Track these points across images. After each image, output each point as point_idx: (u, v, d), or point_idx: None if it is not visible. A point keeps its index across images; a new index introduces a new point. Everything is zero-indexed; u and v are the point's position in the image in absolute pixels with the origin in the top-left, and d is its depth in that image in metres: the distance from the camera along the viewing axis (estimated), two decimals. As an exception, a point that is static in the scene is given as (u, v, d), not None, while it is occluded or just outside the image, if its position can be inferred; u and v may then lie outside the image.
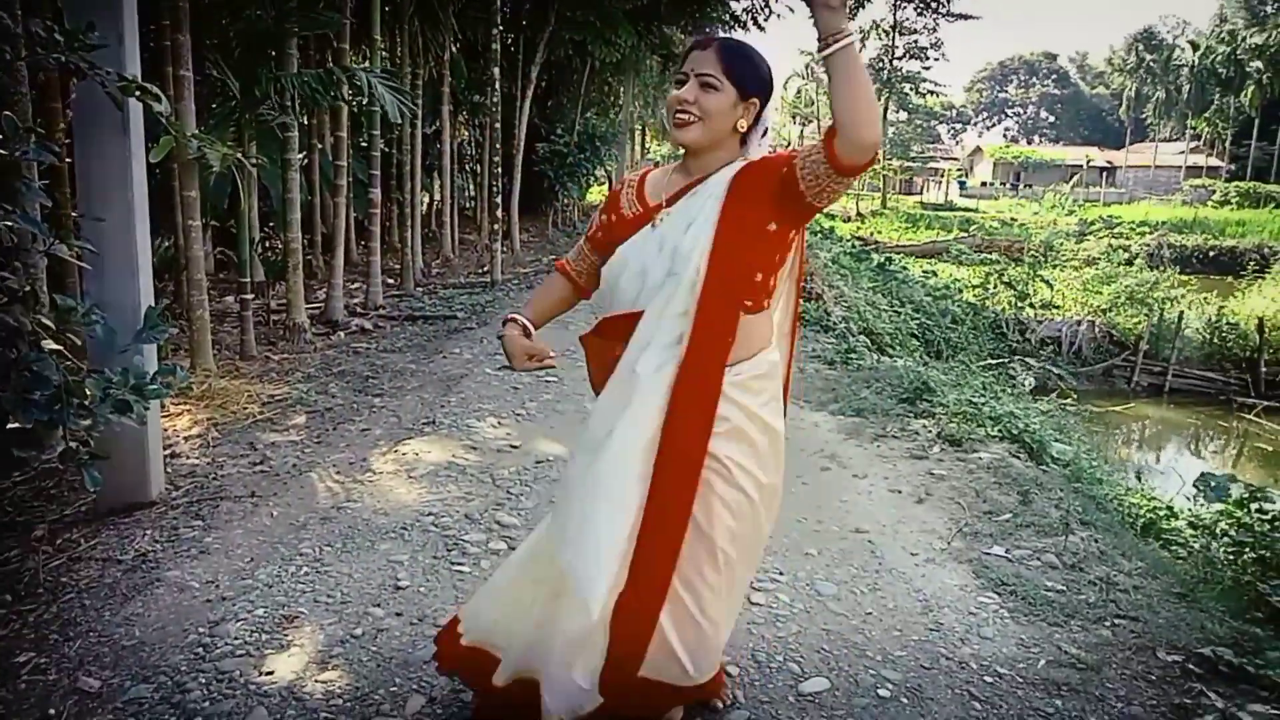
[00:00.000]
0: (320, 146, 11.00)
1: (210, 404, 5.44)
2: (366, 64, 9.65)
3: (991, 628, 2.86)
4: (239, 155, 6.30)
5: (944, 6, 38.81)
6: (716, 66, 1.88)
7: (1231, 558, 3.67)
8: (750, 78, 1.92)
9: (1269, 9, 58.10)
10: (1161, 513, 4.48)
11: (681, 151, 2.01)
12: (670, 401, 1.88)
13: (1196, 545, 3.92)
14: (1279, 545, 3.58)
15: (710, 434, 1.90)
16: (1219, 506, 4.19)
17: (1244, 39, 54.25)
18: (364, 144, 9.62)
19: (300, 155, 12.11)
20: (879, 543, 3.53)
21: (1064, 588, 3.15)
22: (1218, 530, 4.00)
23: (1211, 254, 29.12)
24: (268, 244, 9.38)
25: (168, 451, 4.53)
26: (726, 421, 1.92)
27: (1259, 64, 52.20)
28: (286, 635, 2.68)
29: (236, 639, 2.65)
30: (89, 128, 3.67)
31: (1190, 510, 4.56)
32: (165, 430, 4.89)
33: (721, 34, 2.03)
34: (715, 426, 1.90)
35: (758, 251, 1.92)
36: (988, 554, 3.46)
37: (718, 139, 1.94)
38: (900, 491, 4.13)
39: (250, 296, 6.96)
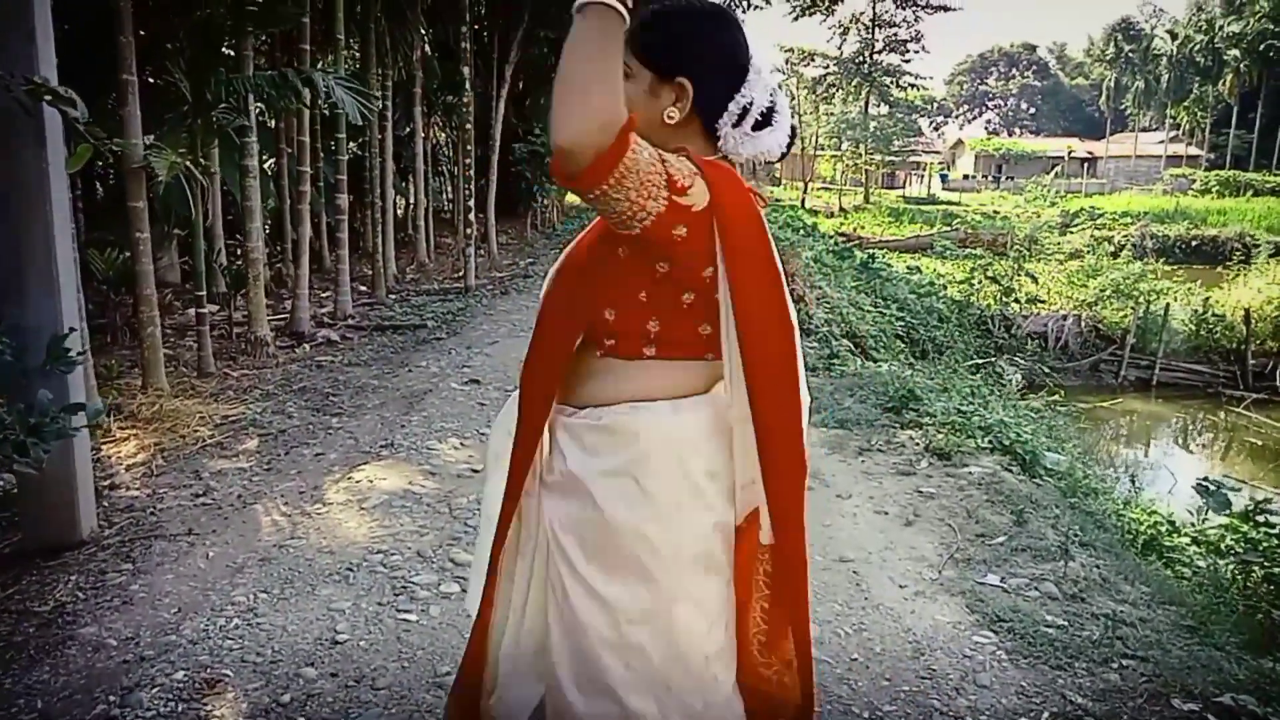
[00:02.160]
0: (290, 151, 10.68)
1: (159, 427, 5.14)
2: (331, 65, 9.37)
3: (989, 673, 2.61)
4: (187, 163, 6.00)
5: (923, -1, 38.75)
6: (628, 49, 1.42)
7: (1240, 578, 3.44)
8: (667, 50, 1.46)
9: (1244, -2, 58.42)
10: (1163, 529, 4.24)
11: None
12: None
13: (1202, 564, 3.69)
14: (1290, 564, 3.35)
15: (524, 474, 1.56)
16: (1223, 520, 3.96)
17: (1221, 27, 54.44)
18: (333, 148, 9.30)
19: (268, 161, 11.88)
20: (865, 573, 3.27)
21: (1065, 623, 2.90)
22: (1223, 547, 3.76)
23: (1194, 243, 29.10)
24: (237, 253, 9.06)
25: (107, 482, 4.25)
26: (552, 472, 1.56)
27: (1236, 52, 52.40)
28: (205, 704, 2.39)
29: (149, 710, 2.37)
30: (0, 135, 3.36)
31: (1192, 524, 4.33)
32: (108, 457, 4.60)
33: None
34: (546, 473, 1.57)
35: (606, 282, 1.49)
36: (982, 583, 3.21)
37: (645, 139, 1.36)
38: (887, 513, 3.88)
39: (207, 310, 6.65)
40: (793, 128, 1.58)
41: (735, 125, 1.50)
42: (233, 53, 7.15)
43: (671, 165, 1.34)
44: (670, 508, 1.48)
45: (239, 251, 8.93)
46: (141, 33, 7.14)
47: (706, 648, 1.52)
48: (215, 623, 2.84)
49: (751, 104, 1.49)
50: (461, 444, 4.73)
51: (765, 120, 1.51)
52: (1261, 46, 51.16)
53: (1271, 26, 50.93)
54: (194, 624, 2.83)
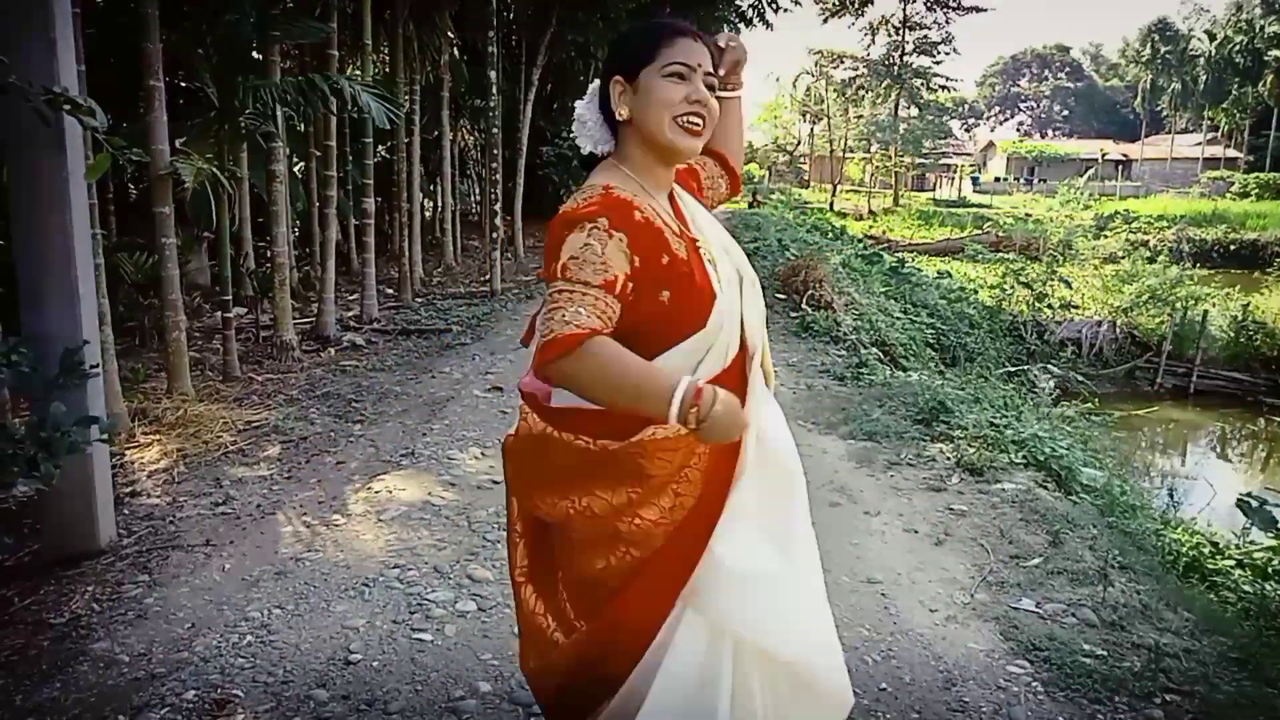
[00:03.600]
0: (318, 155, 10.71)
1: (183, 432, 5.13)
2: (359, 70, 9.39)
3: (1024, 707, 2.50)
4: (214, 169, 6.00)
5: (954, 0, 38.26)
6: (712, 64, 1.59)
7: (1288, 605, 3.29)
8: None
9: (1287, -3, 57.21)
10: (1206, 550, 4.09)
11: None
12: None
13: (1249, 589, 3.53)
14: (1342, 591, 3.19)
15: None
16: (1269, 541, 3.80)
17: (1262, 28, 53.34)
18: (360, 151, 9.30)
19: (298, 165, 11.93)
20: (893, 596, 3.16)
21: (1105, 652, 2.78)
22: (1270, 570, 3.61)
23: (1232, 248, 28.47)
24: (266, 256, 9.09)
25: (129, 489, 4.24)
26: None
27: (1277, 53, 51.30)
28: (214, 727, 2.35)
29: (157, 732, 2.32)
30: (20, 145, 3.35)
31: (1236, 544, 4.17)
32: (131, 463, 4.60)
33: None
34: None
35: None
36: (1016, 608, 3.09)
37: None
38: (917, 531, 3.76)
39: (233, 314, 6.66)
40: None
41: None
42: (260, 57, 7.15)
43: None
44: None
45: (267, 255, 8.96)
46: (170, 39, 7.16)
47: None
48: (228, 639, 2.79)
49: None
50: (483, 454, 4.67)
51: None
52: (1305, 46, 50.09)
53: (1315, 26, 49.86)
54: (207, 640, 2.78)
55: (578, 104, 1.69)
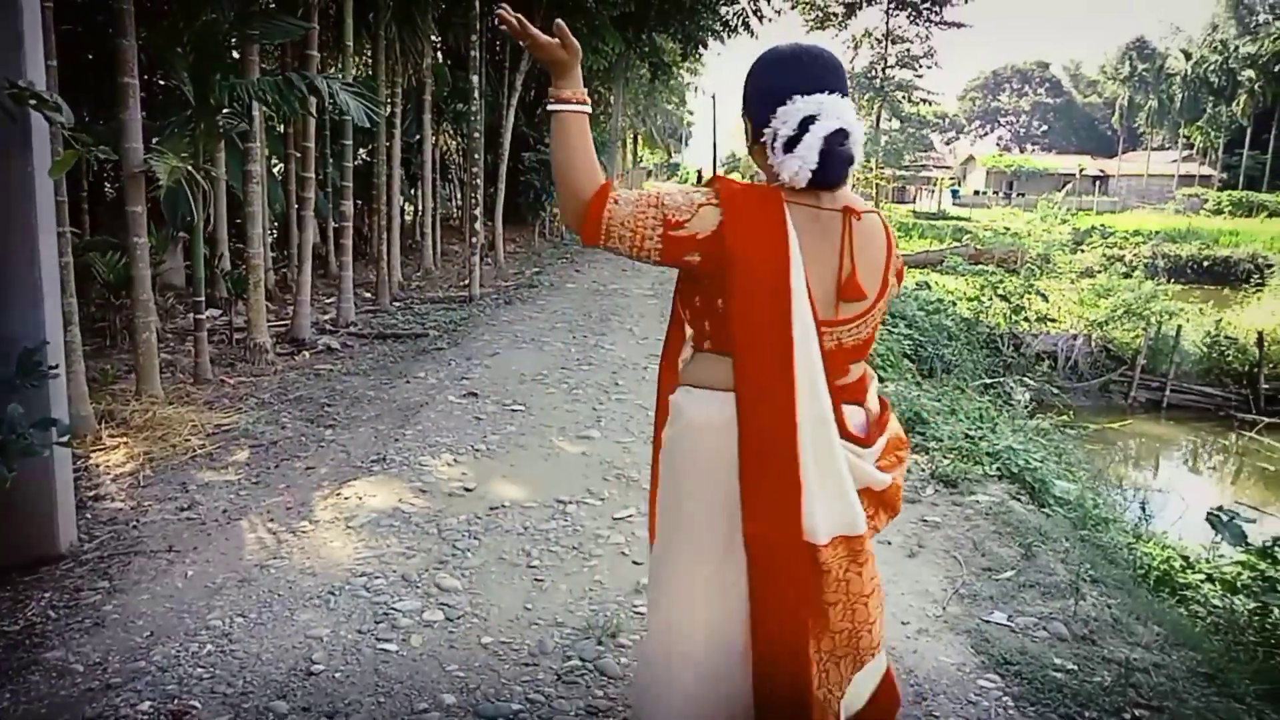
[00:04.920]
0: (297, 156, 10.62)
1: (150, 435, 5.05)
2: (340, 71, 9.31)
3: (994, 722, 2.48)
4: (189, 168, 5.92)
5: (936, 14, 38.58)
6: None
7: (1258, 620, 3.29)
8: (744, 98, 1.79)
9: (1259, 18, 58.20)
10: (1176, 564, 4.10)
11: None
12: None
13: (1218, 604, 3.54)
14: (1310, 606, 3.20)
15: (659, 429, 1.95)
16: (1239, 556, 3.81)
17: (1236, 48, 54.23)
18: (339, 153, 9.23)
19: (277, 166, 11.82)
20: (866, 608, 3.14)
21: (1075, 667, 2.77)
22: (1239, 584, 3.62)
23: (1206, 264, 28.84)
24: (243, 257, 8.99)
25: (92, 492, 4.15)
26: None
27: (1251, 73, 52.17)
28: (170, 739, 2.28)
29: (110, 743, 2.26)
30: (-17, 141, 3.28)
31: (1206, 558, 4.18)
32: (96, 466, 4.51)
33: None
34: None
35: (683, 291, 1.80)
36: (988, 621, 3.08)
37: (761, 170, 1.80)
38: (890, 543, 3.75)
39: (205, 316, 6.57)
40: (833, 151, 1.65)
41: (772, 151, 1.69)
42: (238, 56, 7.08)
43: (669, 205, 1.65)
44: (678, 483, 1.76)
45: (243, 256, 8.87)
46: (147, 36, 7.07)
47: (682, 624, 1.74)
48: (187, 648, 2.73)
49: (777, 132, 1.67)
50: (455, 460, 4.61)
51: (791, 145, 1.65)
52: (1276, 68, 50.92)
53: (1287, 48, 50.73)
54: (165, 649, 2.72)
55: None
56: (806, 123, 1.63)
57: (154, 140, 6.38)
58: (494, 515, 3.88)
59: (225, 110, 6.39)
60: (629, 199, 1.64)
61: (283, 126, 10.55)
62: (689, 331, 1.80)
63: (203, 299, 6.42)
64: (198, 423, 5.31)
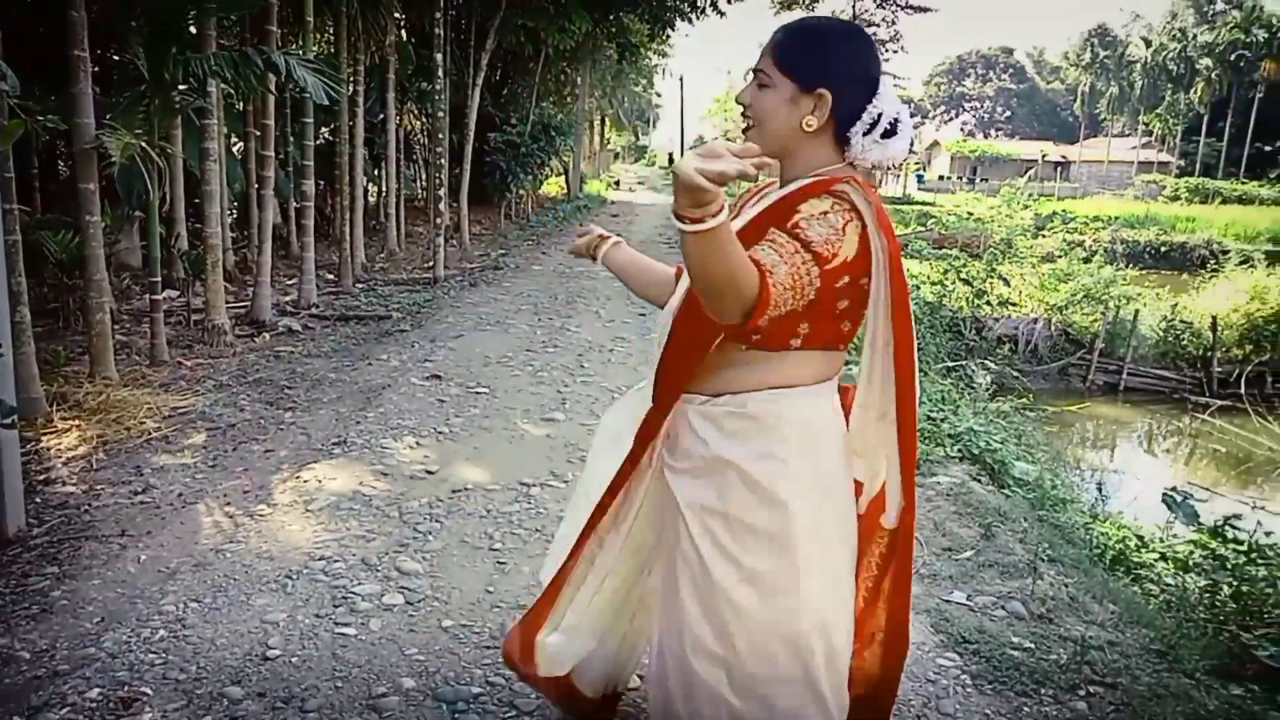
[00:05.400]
0: (258, 134, 10.41)
1: (104, 418, 4.94)
2: (300, 48, 9.12)
3: (953, 700, 2.51)
4: (143, 144, 5.78)
5: (902, -1, 38.76)
6: (769, 59, 1.61)
7: (1208, 597, 3.36)
8: (809, 64, 1.58)
9: (1217, 7, 59.19)
10: (1131, 543, 4.17)
11: None
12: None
13: (1171, 582, 3.61)
14: (1259, 582, 3.28)
15: (644, 454, 1.76)
16: (1191, 535, 3.89)
17: (1194, 36, 55.12)
18: (300, 132, 9.05)
19: (237, 144, 11.58)
20: (827, 589, 3.16)
21: (1032, 645, 2.81)
22: (1191, 563, 3.69)
23: (1163, 249, 29.34)
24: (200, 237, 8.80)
25: (42, 476, 4.06)
26: (688, 458, 1.69)
27: (1208, 61, 53.08)
28: (120, 726, 2.24)
29: (58, 733, 2.21)
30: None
31: (1160, 538, 4.26)
32: (47, 449, 4.41)
33: (808, 18, 1.57)
34: (674, 459, 1.72)
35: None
36: (948, 601, 3.11)
37: (782, 144, 1.61)
38: (852, 524, 3.77)
39: (162, 296, 6.44)
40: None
41: (866, 134, 1.60)
42: (195, 31, 6.89)
43: (816, 240, 1.47)
44: (811, 487, 1.63)
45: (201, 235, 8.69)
46: (99, 8, 6.87)
47: (835, 618, 1.66)
48: (139, 634, 2.67)
49: (882, 114, 1.60)
50: (418, 443, 4.57)
51: (893, 129, 1.61)
52: (1232, 56, 51.88)
53: (1242, 37, 51.68)
54: (116, 635, 2.66)
55: None
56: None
57: (107, 116, 6.23)
58: (456, 498, 3.85)
59: (181, 86, 6.24)
60: (776, 260, 1.44)
61: (242, 104, 10.34)
62: (758, 334, 1.59)
63: (159, 279, 6.29)
64: (153, 405, 5.21)
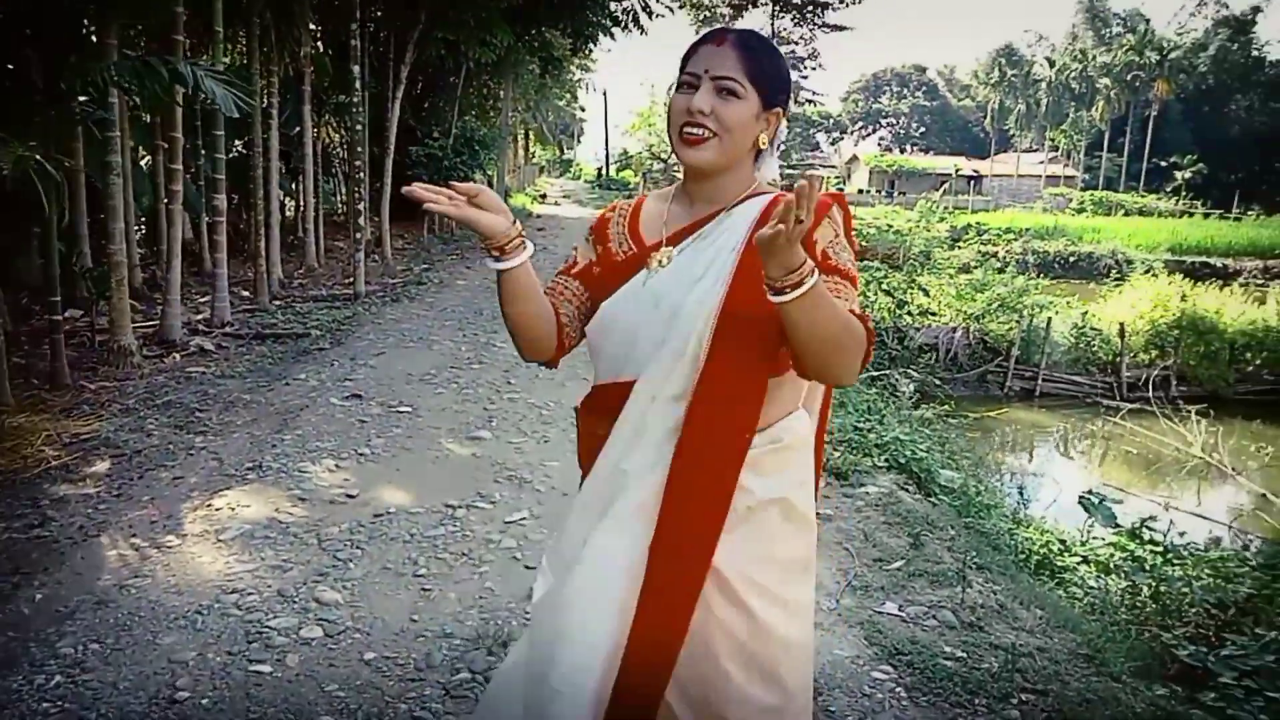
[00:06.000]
0: (165, 147, 10.02)
1: (-2, 447, 4.64)
2: (210, 58, 8.81)
3: (888, 713, 2.49)
4: (38, 157, 5.49)
5: (819, 17, 39.60)
6: (738, 67, 1.48)
7: (1129, 598, 3.44)
8: (776, 80, 1.52)
9: (1114, 30, 62.11)
10: (1055, 548, 4.26)
11: (675, 174, 1.58)
12: (663, 506, 1.46)
13: (1092, 584, 3.69)
14: (1175, 582, 3.36)
15: (714, 545, 1.48)
16: (1111, 537, 3.98)
17: (1094, 57, 57.73)
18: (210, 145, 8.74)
19: (145, 158, 11.13)
20: (761, 604, 3.12)
21: (964, 654, 2.82)
22: (1112, 565, 3.78)
23: (1072, 259, 30.49)
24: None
25: (-73, 512, 3.78)
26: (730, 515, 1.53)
27: (1107, 81, 55.65)
28: (8, 784, 2.07)
29: (-63, 794, 2.02)
30: None
31: (1082, 540, 4.36)
32: (-68, 482, 4.11)
33: (737, 27, 1.50)
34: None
35: (774, 325, 1.45)
36: (880, 612, 3.11)
37: (734, 159, 1.52)
38: (784, 537, 3.76)
39: (61, 317, 6.12)
40: None
41: (765, 149, 1.57)
42: (96, 40, 6.59)
43: (848, 265, 1.47)
44: (810, 504, 1.60)
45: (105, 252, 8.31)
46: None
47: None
48: (33, 681, 2.49)
49: (780, 132, 1.58)
50: (337, 465, 4.40)
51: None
52: (1128, 76, 54.48)
53: (1136, 59, 54.31)
54: (5, 683, 2.47)
55: None
56: None
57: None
58: (378, 523, 3.71)
59: (82, 97, 5.95)
60: (842, 282, 1.43)
61: (148, 116, 9.95)
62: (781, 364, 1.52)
63: (58, 298, 5.98)
64: (52, 432, 4.93)
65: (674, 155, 1.54)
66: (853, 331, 1.34)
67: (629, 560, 1.47)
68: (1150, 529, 3.88)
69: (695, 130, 1.47)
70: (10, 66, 7.82)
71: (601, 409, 1.55)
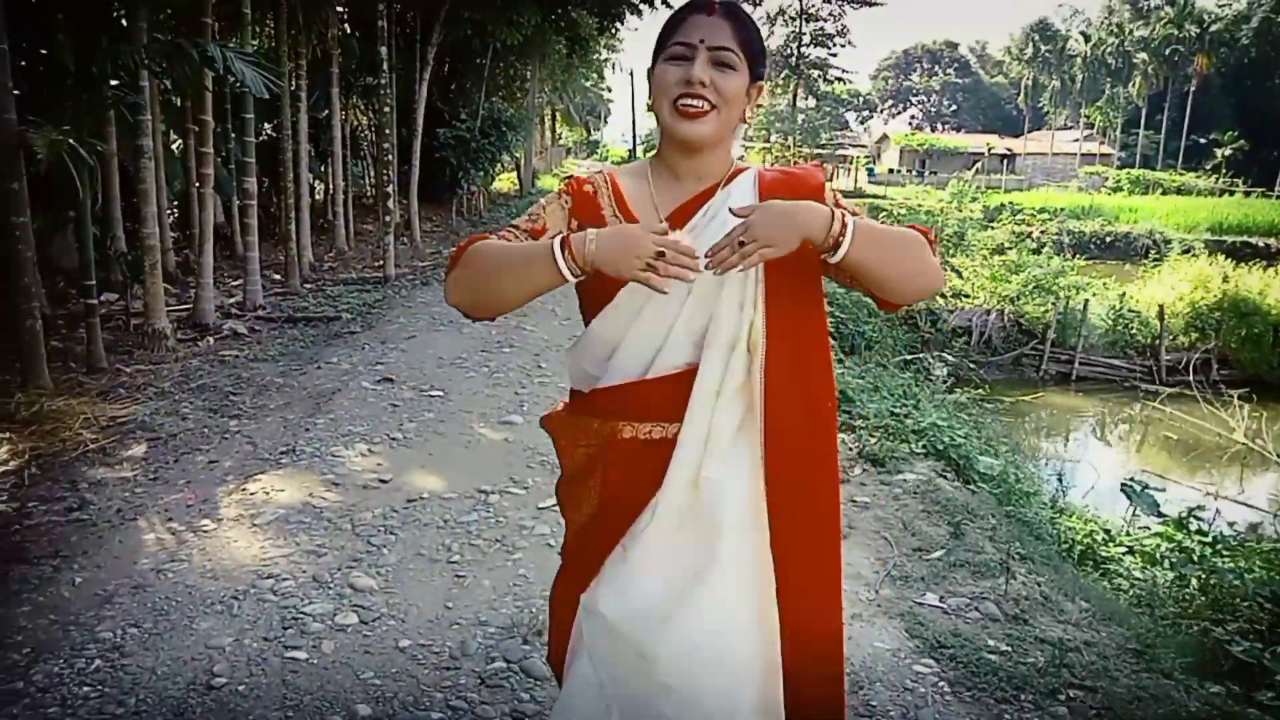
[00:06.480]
0: (196, 131, 10.07)
1: (37, 430, 4.70)
2: (238, 41, 8.83)
3: (931, 709, 2.44)
4: (72, 141, 5.50)
5: (849, -8, 39.05)
6: (732, 37, 1.42)
7: (1177, 590, 3.35)
8: (761, 52, 1.48)
9: (1151, 2, 60.71)
10: (1098, 537, 4.16)
11: (646, 152, 1.51)
12: (771, 502, 1.42)
13: (1139, 575, 3.60)
14: (1226, 574, 3.27)
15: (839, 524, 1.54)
16: (1156, 527, 3.89)
17: (1131, 31, 56.46)
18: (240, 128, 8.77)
19: (176, 143, 11.20)
20: (799, 594, 3.07)
21: (1009, 648, 2.75)
22: (1158, 555, 3.68)
23: (1108, 239, 29.95)
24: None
25: (-32, 495, 3.82)
26: None
27: (1144, 56, 54.41)
28: (49, 771, 2.07)
29: (-20, 779, 2.03)
30: None
31: (1126, 530, 4.26)
32: (-26, 465, 4.16)
33: None
34: None
35: (815, 286, 1.48)
36: (920, 603, 3.05)
37: (728, 132, 1.47)
38: (821, 524, 3.70)
39: (97, 300, 6.16)
40: None
41: (744, 121, 1.53)
42: (126, 24, 6.60)
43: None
44: None
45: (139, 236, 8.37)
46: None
47: None
48: (73, 665, 2.50)
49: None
50: (370, 450, 4.40)
51: None
52: (1167, 51, 53.23)
53: (1175, 32, 53.03)
54: (47, 667, 2.48)
55: None
56: None
57: (29, 116, 5.93)
58: (411, 508, 3.70)
59: (113, 81, 5.97)
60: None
61: (179, 100, 9.99)
62: None
63: (94, 283, 6.02)
64: (90, 415, 4.97)
65: (671, 129, 1.43)
66: (909, 238, 1.37)
67: (752, 571, 1.41)
68: (1197, 518, 3.77)
69: (695, 102, 1.41)
70: (44, 51, 7.88)
71: (616, 409, 1.46)
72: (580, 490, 1.53)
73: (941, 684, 2.55)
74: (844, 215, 1.31)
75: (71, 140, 5.47)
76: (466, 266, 1.39)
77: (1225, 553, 3.41)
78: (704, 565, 1.40)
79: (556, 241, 1.32)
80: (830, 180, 1.57)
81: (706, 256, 1.31)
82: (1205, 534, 3.70)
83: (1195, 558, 3.48)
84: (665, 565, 1.43)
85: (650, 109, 1.49)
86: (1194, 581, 3.30)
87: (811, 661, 1.44)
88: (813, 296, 1.46)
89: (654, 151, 1.56)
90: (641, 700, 1.44)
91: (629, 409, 1.46)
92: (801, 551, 1.43)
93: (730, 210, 1.34)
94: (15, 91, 5.24)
